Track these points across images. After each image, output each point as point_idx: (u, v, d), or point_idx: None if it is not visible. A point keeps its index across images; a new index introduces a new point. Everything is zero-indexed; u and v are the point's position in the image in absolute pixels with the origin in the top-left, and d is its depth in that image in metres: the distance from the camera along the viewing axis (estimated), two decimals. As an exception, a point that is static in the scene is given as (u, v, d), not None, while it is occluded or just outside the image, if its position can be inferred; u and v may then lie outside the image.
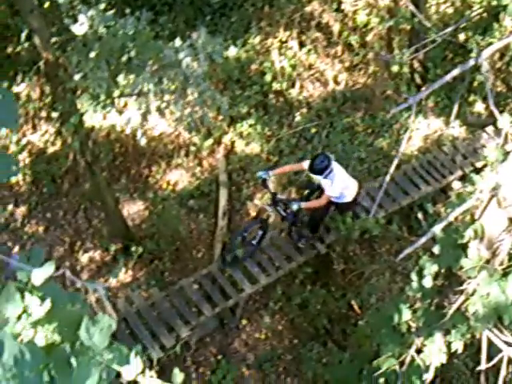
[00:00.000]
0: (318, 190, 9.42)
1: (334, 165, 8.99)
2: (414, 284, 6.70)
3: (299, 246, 10.08)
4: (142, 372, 2.70)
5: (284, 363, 9.89)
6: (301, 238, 10.06)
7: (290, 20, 12.70)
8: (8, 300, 2.33)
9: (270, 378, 9.72)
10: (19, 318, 2.37)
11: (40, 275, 2.39)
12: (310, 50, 12.67)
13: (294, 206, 8.93)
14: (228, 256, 9.60)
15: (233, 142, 11.62)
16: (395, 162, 5.87)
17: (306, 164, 9.10)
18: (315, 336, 10.01)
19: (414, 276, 6.69)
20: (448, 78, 4.99)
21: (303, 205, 9.06)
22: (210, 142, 11.43)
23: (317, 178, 8.95)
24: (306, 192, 9.82)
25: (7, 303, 2.33)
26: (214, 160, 11.46)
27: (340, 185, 9.00)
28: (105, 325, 2.48)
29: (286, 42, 12.58)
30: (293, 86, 12.38)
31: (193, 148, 11.45)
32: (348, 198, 9.33)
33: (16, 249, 9.50)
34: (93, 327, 2.45)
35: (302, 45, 12.66)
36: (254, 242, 9.73)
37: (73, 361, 2.47)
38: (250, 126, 11.69)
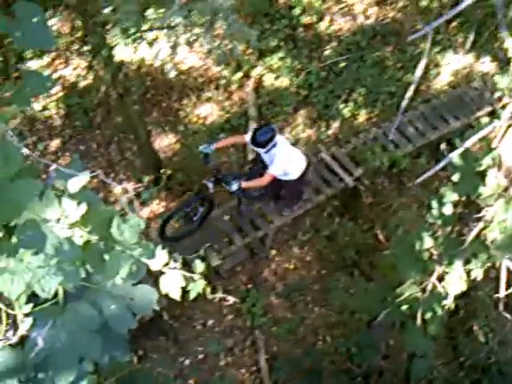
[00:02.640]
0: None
1: (279, 138, 8.27)
2: (435, 211, 6.82)
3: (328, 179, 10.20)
4: (167, 264, 2.94)
5: (312, 293, 10.16)
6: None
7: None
8: (47, 205, 2.54)
9: (298, 307, 10.01)
10: (58, 220, 2.58)
11: (76, 183, 2.60)
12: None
13: (233, 187, 8.17)
14: (166, 229, 9.12)
15: (262, 76, 11.65)
16: (412, 87, 5.90)
17: (248, 136, 8.34)
18: (342, 267, 10.24)
19: (434, 203, 6.81)
20: (463, 5, 4.98)
21: (244, 184, 8.28)
22: (239, 75, 11.49)
23: (259, 152, 8.35)
24: (256, 167, 9.01)
25: (47, 207, 2.54)
26: (244, 93, 11.54)
27: (284, 161, 8.29)
28: (134, 223, 2.70)
29: (315, -27, 12.45)
30: (322, 19, 12.30)
31: (222, 81, 11.54)
32: (293, 175, 8.68)
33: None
34: (123, 225, 2.68)
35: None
36: (194, 219, 9.26)
37: (106, 256, 2.70)
38: (280, 59, 11.69)
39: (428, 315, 7.33)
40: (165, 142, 10.99)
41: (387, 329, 9.03)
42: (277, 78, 11.62)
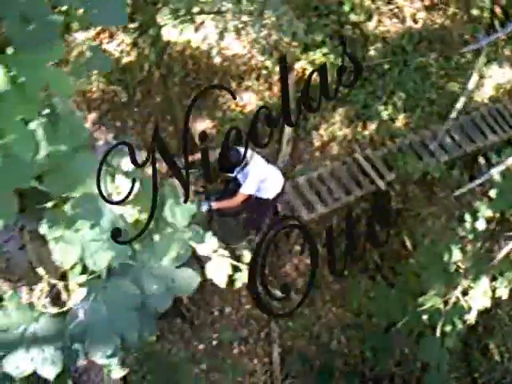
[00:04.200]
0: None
1: (253, 157, 7.93)
2: (467, 225, 6.79)
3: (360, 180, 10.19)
4: (215, 251, 2.95)
5: (331, 292, 10.14)
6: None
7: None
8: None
9: (315, 305, 10.00)
10: (109, 196, 2.59)
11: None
12: (393, -18, 12.45)
13: (204, 208, 7.87)
14: None
15: (304, 70, 11.60)
16: (462, 99, 5.84)
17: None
18: (365, 269, 10.20)
19: (467, 217, 6.78)
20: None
21: (214, 205, 8.03)
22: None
23: (228, 175, 8.09)
24: (230, 186, 8.57)
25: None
26: (284, 86, 11.47)
27: (256, 180, 7.94)
28: (187, 207, 2.70)
29: (367, -28, 12.36)
30: (370, 19, 12.22)
31: (264, 72, 11.49)
32: (269, 194, 8.37)
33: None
34: (176, 208, 2.69)
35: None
36: None
37: (155, 237, 2.71)
38: (324, 55, 11.61)
39: (448, 328, 7.31)
40: (201, 126, 10.97)
41: (404, 336, 9.01)
42: (318, 73, 11.54)
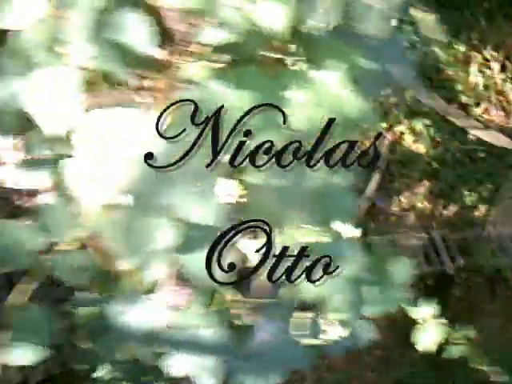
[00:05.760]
0: None
1: None
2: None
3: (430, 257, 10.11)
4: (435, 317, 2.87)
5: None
6: None
7: (502, 41, 12.44)
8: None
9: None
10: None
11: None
12: (508, 78, 12.40)
13: None
14: None
15: (402, 134, 11.57)
16: None
17: None
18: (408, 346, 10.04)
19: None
20: None
21: None
22: (382, 125, 11.43)
23: None
24: None
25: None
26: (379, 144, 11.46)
27: None
28: (405, 264, 2.66)
29: (488, 60, 12.34)
30: (478, 105, 12.18)
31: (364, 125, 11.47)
32: None
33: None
34: (395, 265, 2.63)
35: (502, 69, 12.41)
36: None
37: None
38: (425, 125, 11.59)
39: None
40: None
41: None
42: (415, 141, 11.53)
